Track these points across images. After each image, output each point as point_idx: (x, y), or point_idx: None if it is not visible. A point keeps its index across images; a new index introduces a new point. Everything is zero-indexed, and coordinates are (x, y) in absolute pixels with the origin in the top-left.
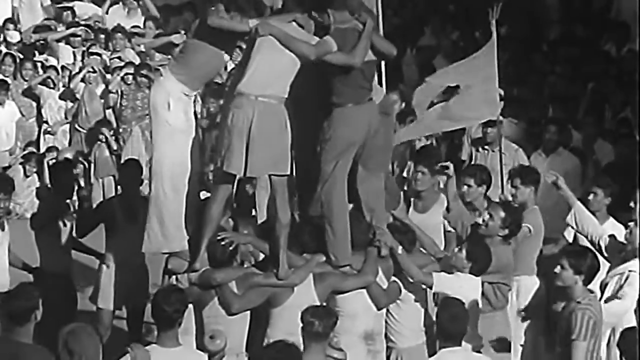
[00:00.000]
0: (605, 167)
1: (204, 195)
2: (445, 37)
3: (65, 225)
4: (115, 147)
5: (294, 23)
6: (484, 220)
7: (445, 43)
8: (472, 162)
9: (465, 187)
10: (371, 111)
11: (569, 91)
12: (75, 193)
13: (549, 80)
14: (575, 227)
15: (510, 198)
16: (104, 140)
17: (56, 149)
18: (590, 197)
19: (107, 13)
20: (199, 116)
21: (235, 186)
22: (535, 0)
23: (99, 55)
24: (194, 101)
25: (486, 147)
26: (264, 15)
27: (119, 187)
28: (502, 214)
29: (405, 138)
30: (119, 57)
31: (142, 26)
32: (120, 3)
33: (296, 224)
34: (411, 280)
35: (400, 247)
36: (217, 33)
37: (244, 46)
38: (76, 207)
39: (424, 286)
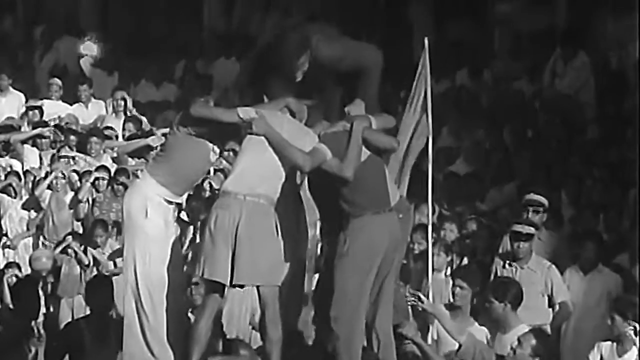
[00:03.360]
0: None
1: None
2: (466, 137)
3: (30, 351)
4: (87, 262)
5: (287, 113)
6: (512, 348)
7: (466, 144)
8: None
9: (487, 304)
10: (392, 222)
11: (608, 198)
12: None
13: (585, 185)
14: None
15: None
16: (73, 255)
17: (17, 265)
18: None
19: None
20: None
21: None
22: (569, 99)
23: (71, 158)
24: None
25: (514, 263)
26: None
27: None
28: (533, 342)
29: None
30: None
31: (121, 128)
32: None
33: (299, 351)
34: None
35: None
36: (203, 126)
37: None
38: (41, 331)
39: None
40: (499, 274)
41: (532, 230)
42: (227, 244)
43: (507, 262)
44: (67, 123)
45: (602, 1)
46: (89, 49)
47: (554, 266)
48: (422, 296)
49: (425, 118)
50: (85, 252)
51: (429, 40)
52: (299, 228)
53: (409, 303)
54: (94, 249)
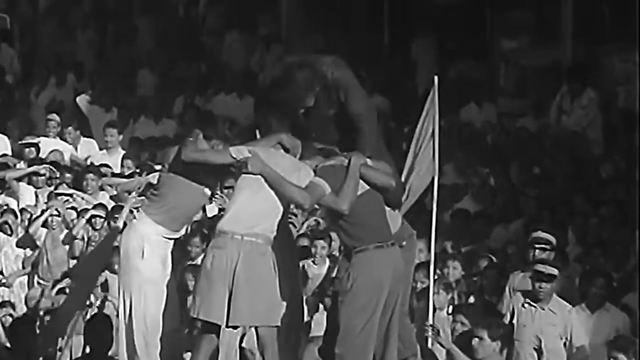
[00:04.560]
0: None
1: None
2: (472, 175)
3: None
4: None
5: (280, 149)
6: None
7: (473, 181)
8: (515, 320)
9: (476, 339)
10: (396, 256)
11: (615, 237)
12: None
13: (591, 223)
14: None
15: None
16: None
17: (11, 304)
18: None
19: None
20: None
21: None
22: (576, 136)
23: (69, 196)
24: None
25: (534, 303)
26: (248, 142)
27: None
28: None
29: None
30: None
31: (119, 165)
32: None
33: None
34: None
35: None
36: (196, 166)
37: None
38: None
39: None
40: (515, 313)
41: (554, 271)
42: (224, 284)
43: (527, 301)
44: (52, 161)
45: (609, 37)
46: (82, 102)
47: (574, 309)
48: (441, 330)
49: (431, 157)
50: None
51: (433, 77)
52: (292, 264)
53: (425, 335)
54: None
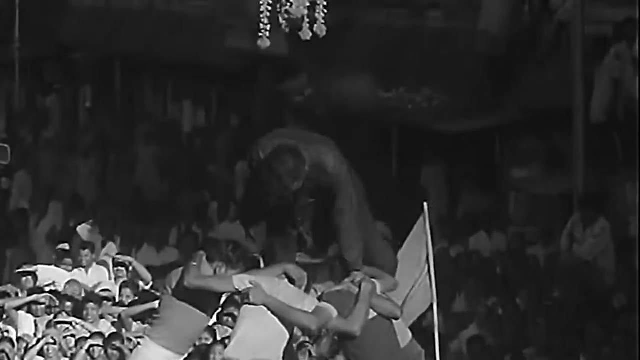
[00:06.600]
0: None
1: None
2: (479, 304)
3: None
4: None
5: (285, 279)
6: None
7: (479, 310)
8: None
9: None
10: None
11: None
12: None
13: (604, 351)
14: None
15: None
16: None
17: None
18: None
19: None
20: None
21: None
22: (587, 265)
23: (69, 324)
24: None
25: None
26: (251, 269)
27: None
28: None
29: None
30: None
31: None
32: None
33: None
34: None
35: None
36: (197, 292)
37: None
38: None
39: None
40: None
41: None
42: None
43: None
44: (52, 290)
45: (620, 166)
46: (82, 232)
47: None
48: None
49: (428, 284)
50: None
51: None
52: None
53: None
54: None
